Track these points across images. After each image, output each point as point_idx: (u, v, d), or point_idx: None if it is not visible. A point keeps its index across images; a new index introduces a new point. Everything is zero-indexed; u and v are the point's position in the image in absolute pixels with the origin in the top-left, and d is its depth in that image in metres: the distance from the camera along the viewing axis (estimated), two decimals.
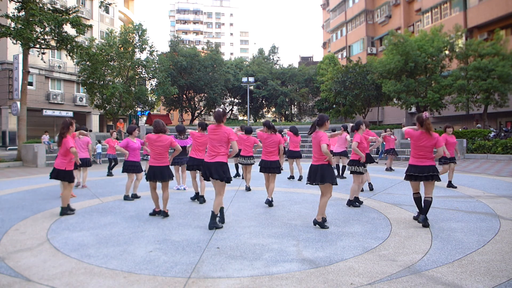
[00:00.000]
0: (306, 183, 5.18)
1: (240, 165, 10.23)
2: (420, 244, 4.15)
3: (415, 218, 5.21)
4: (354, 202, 6.38)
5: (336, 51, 41.05)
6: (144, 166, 9.69)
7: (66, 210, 5.85)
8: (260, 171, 6.73)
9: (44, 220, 5.48)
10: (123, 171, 7.20)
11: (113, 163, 11.71)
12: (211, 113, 38.55)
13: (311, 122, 5.38)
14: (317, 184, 4.96)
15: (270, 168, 6.56)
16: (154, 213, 5.74)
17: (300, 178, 9.85)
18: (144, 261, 3.70)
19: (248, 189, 8.18)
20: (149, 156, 6.80)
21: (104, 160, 15.69)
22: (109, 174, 11.61)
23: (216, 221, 4.97)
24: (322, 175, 4.90)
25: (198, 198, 6.92)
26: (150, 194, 5.79)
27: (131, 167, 7.15)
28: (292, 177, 10.14)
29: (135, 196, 7.30)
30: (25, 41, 14.65)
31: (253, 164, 8.29)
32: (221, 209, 5.18)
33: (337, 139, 9.95)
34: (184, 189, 8.51)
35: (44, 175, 12.04)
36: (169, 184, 5.70)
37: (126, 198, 7.16)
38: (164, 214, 5.62)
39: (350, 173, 6.62)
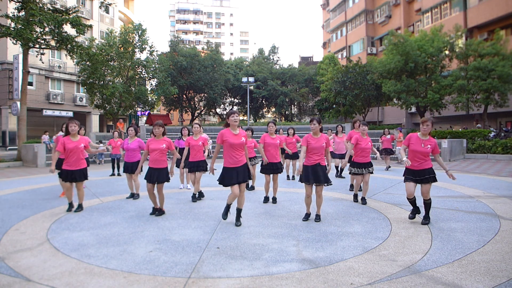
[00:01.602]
0: (326, 184, 5.30)
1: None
2: (420, 244, 4.15)
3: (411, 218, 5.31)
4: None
5: (336, 51, 41.05)
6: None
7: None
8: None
9: (44, 220, 5.48)
10: (123, 171, 7.57)
11: (115, 164, 11.69)
12: (211, 113, 38.61)
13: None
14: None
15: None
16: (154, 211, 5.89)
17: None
18: (144, 261, 3.70)
19: (252, 187, 8.52)
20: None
21: (107, 160, 15.70)
22: (113, 174, 11.61)
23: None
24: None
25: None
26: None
27: (125, 167, 7.48)
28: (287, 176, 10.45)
29: (132, 196, 7.39)
30: (25, 41, 14.65)
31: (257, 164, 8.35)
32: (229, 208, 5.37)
33: (338, 140, 10.06)
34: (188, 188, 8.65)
35: (44, 175, 12.03)
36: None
37: (129, 196, 7.44)
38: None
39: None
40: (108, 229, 4.95)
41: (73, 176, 5.99)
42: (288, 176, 10.36)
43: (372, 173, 6.75)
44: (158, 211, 5.81)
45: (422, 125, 5.04)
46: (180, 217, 5.67)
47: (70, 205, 6.14)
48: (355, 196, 6.84)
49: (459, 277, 3.21)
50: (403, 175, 5.30)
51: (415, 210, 5.27)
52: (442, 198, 7.01)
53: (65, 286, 3.14)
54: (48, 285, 3.16)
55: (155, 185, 5.72)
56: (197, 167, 7.04)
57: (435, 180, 5.06)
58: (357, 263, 3.60)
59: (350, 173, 6.85)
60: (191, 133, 7.45)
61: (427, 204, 5.09)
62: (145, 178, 5.73)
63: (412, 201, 5.22)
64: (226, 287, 3.09)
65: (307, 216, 5.44)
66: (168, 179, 5.75)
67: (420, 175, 5.05)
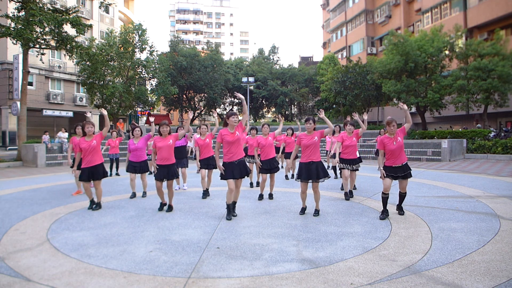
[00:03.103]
0: (321, 180, 5.52)
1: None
2: (420, 244, 4.15)
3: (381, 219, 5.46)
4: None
5: (336, 51, 41.03)
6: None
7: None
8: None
9: (44, 220, 5.48)
10: (127, 170, 7.58)
11: (114, 163, 11.66)
12: (211, 113, 38.58)
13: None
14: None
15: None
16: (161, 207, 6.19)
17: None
18: (144, 261, 3.70)
19: (253, 185, 8.87)
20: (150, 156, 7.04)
21: (106, 160, 15.66)
22: (111, 174, 11.56)
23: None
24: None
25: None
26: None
27: (130, 167, 7.50)
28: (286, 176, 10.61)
29: (134, 195, 7.50)
30: (25, 41, 14.65)
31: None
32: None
33: (335, 140, 10.14)
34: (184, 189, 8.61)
35: (44, 175, 12.04)
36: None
37: (131, 196, 7.50)
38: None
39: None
40: (108, 229, 4.95)
41: (92, 172, 6.14)
42: (286, 176, 10.41)
43: (357, 170, 7.32)
44: (167, 207, 6.10)
45: (389, 126, 5.44)
46: (180, 217, 5.67)
47: (92, 202, 6.32)
48: (346, 194, 7.12)
49: (459, 277, 3.21)
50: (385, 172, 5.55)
51: (386, 211, 5.51)
52: (442, 198, 7.01)
53: (65, 286, 3.14)
54: (48, 285, 3.16)
55: (164, 182, 6.05)
56: (207, 164, 7.56)
57: (411, 175, 5.55)
58: (357, 263, 3.60)
59: (339, 168, 7.62)
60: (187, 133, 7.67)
61: (403, 195, 5.56)
62: (155, 176, 6.04)
63: (386, 197, 5.47)
64: (226, 287, 3.09)
65: (303, 210, 5.74)
66: (178, 175, 6.19)
67: (400, 172, 5.41)
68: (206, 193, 7.48)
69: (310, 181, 5.51)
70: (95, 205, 6.29)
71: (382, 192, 5.50)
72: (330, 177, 5.61)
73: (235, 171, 5.34)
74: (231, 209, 5.52)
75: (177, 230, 4.87)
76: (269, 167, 7.11)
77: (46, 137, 16.25)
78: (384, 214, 5.46)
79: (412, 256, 3.77)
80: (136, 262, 3.68)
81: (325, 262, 3.64)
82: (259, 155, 7.55)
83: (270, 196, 7.22)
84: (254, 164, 8.53)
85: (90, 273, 3.41)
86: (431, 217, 5.44)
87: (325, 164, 13.14)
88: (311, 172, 5.42)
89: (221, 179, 5.44)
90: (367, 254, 3.84)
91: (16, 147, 19.21)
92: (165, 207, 6.17)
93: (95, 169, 6.17)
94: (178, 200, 7.14)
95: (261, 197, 7.20)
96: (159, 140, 6.03)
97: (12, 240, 4.46)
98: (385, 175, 5.43)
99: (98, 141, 6.24)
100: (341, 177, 10.29)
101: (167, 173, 5.97)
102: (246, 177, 5.68)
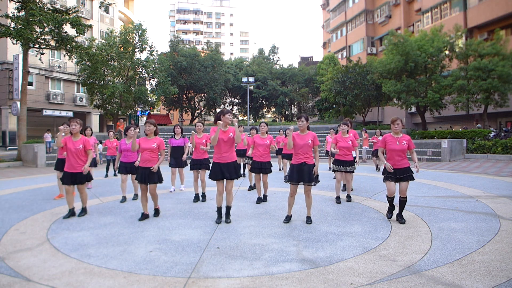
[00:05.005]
0: (313, 184, 5.17)
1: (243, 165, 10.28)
2: (420, 244, 4.15)
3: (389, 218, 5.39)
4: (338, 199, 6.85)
5: (336, 51, 41.03)
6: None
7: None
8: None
9: (44, 220, 5.48)
10: (118, 172, 7.16)
11: (110, 164, 11.56)
12: (211, 113, 38.67)
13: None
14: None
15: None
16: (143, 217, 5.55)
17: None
18: (144, 261, 3.70)
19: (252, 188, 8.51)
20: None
21: (104, 160, 15.66)
22: (106, 175, 11.43)
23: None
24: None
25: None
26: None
27: (122, 168, 7.06)
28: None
29: (124, 199, 7.10)
30: (25, 41, 14.65)
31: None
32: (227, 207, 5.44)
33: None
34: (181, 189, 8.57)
35: (44, 175, 12.04)
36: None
37: (122, 200, 7.07)
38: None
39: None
40: (108, 229, 4.95)
41: (74, 178, 5.58)
42: (285, 177, 10.28)
43: (353, 172, 6.99)
44: (154, 212, 5.74)
45: (393, 124, 5.20)
46: (180, 217, 5.67)
47: (71, 212, 5.66)
48: (337, 198, 6.78)
49: (459, 277, 3.21)
50: (382, 174, 5.33)
51: (393, 209, 5.40)
52: (442, 198, 7.01)
53: (65, 286, 3.14)
54: (48, 285, 3.16)
55: (148, 186, 5.54)
56: (200, 164, 7.07)
57: (412, 178, 5.17)
58: (357, 263, 3.60)
59: (332, 170, 7.41)
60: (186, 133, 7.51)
61: (403, 202, 5.19)
62: (136, 179, 5.66)
63: (391, 199, 5.35)
64: (226, 287, 3.09)
65: (288, 218, 5.29)
66: (160, 180, 5.57)
67: (400, 174, 5.14)
68: (200, 197, 7.07)
69: (301, 183, 5.11)
70: (80, 211, 5.80)
71: (387, 196, 5.35)
72: (319, 182, 5.28)
73: (218, 172, 5.11)
74: (220, 213, 5.30)
75: (177, 230, 4.87)
76: (260, 166, 6.79)
77: (48, 136, 16.14)
78: (391, 212, 5.37)
79: (412, 256, 3.77)
80: (136, 262, 3.68)
81: (325, 262, 3.64)
82: (252, 157, 7.10)
83: (264, 198, 6.90)
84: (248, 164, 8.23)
85: (90, 273, 3.41)
86: (431, 217, 5.44)
87: (326, 166, 13.17)
88: (303, 174, 5.02)
89: (209, 177, 5.23)
90: (367, 254, 3.84)
91: (16, 147, 19.23)
92: (152, 212, 5.79)
93: (79, 174, 5.59)
94: (178, 200, 7.14)
95: (259, 200, 6.82)
96: (143, 141, 5.57)
97: (12, 240, 4.46)
98: (391, 169, 5.07)
99: (86, 147, 5.65)
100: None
101: (147, 177, 5.45)
102: (236, 179, 5.28)
